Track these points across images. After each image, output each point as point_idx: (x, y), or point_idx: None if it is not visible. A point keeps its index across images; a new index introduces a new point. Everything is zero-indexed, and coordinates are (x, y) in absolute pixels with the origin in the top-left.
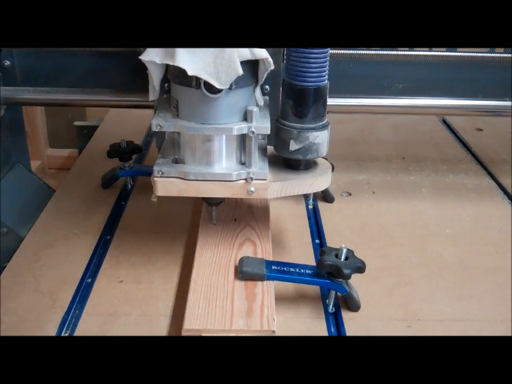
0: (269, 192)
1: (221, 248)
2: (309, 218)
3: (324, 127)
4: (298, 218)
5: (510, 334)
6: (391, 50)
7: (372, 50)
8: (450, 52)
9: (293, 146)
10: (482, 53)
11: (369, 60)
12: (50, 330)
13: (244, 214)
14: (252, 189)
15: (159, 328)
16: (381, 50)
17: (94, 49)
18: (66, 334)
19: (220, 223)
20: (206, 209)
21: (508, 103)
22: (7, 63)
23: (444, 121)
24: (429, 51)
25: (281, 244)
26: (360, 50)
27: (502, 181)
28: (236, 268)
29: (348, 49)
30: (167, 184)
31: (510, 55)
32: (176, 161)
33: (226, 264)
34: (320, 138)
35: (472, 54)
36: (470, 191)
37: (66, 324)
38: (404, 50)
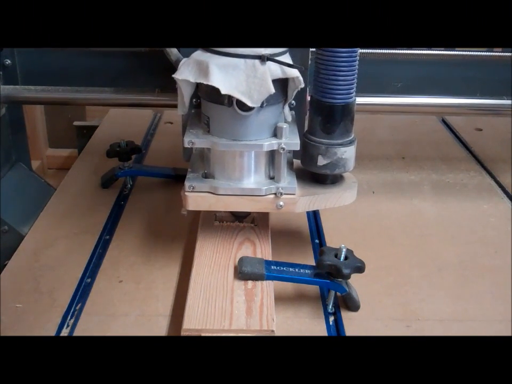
0: (298, 207)
1: (220, 247)
2: (309, 218)
3: (351, 142)
4: (297, 218)
5: (509, 334)
6: (389, 49)
7: (370, 49)
8: (448, 50)
9: (321, 161)
10: (480, 51)
11: (368, 59)
12: (50, 330)
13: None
14: (281, 203)
15: (159, 328)
16: (379, 49)
17: (94, 49)
18: (66, 334)
19: (219, 223)
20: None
21: (506, 102)
22: (8, 61)
23: (444, 121)
24: (427, 50)
25: (280, 244)
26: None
27: (502, 180)
28: (235, 267)
29: None
30: (197, 199)
31: (508, 53)
32: (206, 176)
33: (225, 263)
34: (348, 153)
35: (470, 53)
36: (469, 190)
37: (66, 324)
38: (402, 49)
